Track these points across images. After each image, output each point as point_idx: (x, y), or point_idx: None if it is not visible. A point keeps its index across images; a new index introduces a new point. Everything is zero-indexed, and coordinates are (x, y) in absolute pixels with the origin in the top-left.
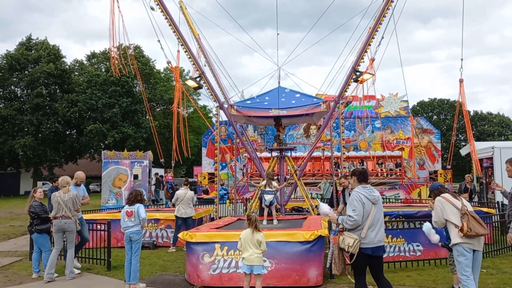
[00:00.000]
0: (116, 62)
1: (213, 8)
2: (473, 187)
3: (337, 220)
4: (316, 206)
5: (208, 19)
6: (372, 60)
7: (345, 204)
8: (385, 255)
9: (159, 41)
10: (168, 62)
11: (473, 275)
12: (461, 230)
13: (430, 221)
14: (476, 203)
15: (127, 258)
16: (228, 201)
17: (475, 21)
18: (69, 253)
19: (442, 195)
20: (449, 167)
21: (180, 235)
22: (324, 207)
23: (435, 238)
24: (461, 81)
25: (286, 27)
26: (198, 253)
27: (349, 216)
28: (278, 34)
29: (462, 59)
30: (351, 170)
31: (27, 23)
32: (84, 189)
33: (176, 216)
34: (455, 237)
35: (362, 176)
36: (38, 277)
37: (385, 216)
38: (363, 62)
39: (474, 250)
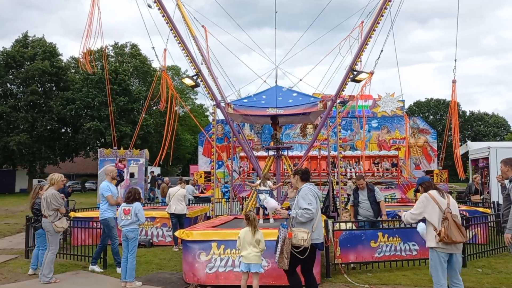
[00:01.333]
0: (86, 59)
1: (212, 7)
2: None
3: (289, 214)
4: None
5: (207, 18)
6: (371, 73)
7: (354, 204)
8: (381, 254)
9: (153, 48)
10: (161, 69)
11: (453, 277)
12: (439, 234)
13: (424, 221)
14: (471, 202)
15: (124, 256)
16: (223, 199)
17: (472, 22)
18: (49, 254)
19: (430, 191)
20: (440, 167)
21: (176, 233)
22: (272, 202)
23: None
24: (454, 81)
25: (284, 27)
26: (194, 251)
27: (306, 209)
28: (276, 12)
29: (455, 60)
30: (294, 169)
31: (25, 21)
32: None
33: (169, 214)
34: (432, 240)
35: (305, 176)
36: (33, 274)
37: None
38: (360, 61)
39: (451, 254)
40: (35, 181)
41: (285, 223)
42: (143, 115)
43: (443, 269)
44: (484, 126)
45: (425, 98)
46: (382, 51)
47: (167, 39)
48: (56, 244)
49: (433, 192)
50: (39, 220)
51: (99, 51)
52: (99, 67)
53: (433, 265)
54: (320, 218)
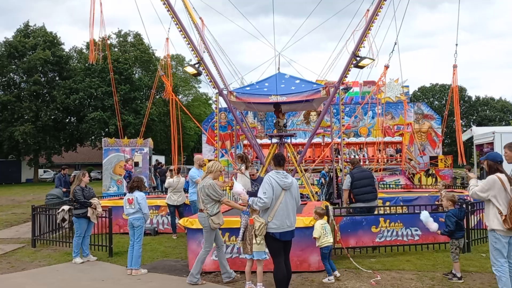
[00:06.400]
0: (95, 51)
1: None
2: None
3: (248, 201)
4: (316, 193)
5: (210, 7)
6: (387, 67)
7: None
8: (382, 239)
9: (151, 48)
10: (162, 75)
11: (511, 258)
12: (505, 221)
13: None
14: None
15: (130, 243)
16: (228, 188)
17: (480, 6)
18: (201, 253)
19: (498, 175)
20: (438, 152)
21: (180, 221)
22: (238, 187)
23: (433, 226)
24: (455, 66)
25: (292, 13)
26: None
27: (259, 198)
28: None
29: (456, 44)
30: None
31: (32, 11)
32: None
33: (168, 204)
34: (495, 222)
35: (277, 160)
36: (82, 262)
37: (386, 201)
38: (364, 47)
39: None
40: (40, 171)
41: (247, 209)
42: (149, 108)
43: (504, 250)
44: (490, 111)
45: (430, 83)
46: (396, 43)
47: (169, 28)
48: (211, 242)
49: (502, 176)
50: (77, 208)
51: (103, 40)
52: (101, 56)
53: (494, 246)
54: (284, 207)
